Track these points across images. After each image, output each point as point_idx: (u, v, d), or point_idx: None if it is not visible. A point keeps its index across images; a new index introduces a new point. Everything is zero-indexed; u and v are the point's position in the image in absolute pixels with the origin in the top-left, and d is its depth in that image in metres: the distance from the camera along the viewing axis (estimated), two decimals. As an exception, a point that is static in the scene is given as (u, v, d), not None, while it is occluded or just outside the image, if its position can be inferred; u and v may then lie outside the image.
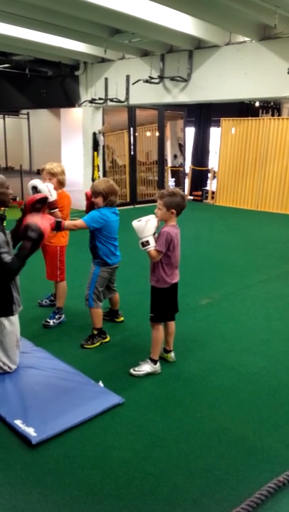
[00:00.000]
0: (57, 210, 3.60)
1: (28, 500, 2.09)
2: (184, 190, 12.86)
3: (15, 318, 3.04)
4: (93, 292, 3.55)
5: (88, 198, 3.59)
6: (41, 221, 2.96)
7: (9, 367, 3.04)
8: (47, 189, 3.54)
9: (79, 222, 3.43)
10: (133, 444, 2.48)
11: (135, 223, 3.04)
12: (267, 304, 4.74)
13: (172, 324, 3.36)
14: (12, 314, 3.01)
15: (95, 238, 3.51)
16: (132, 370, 3.20)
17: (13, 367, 3.06)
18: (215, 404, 2.89)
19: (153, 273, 3.17)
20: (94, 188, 3.48)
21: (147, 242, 3.01)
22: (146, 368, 3.20)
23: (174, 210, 3.04)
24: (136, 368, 3.21)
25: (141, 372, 3.18)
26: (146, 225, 3.00)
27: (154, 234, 3.05)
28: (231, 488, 2.20)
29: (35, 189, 3.58)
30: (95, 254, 3.57)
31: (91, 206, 3.58)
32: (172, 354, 3.44)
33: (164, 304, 3.22)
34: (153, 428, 2.63)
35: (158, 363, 3.24)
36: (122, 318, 4.07)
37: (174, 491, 2.18)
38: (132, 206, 10.94)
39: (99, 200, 3.46)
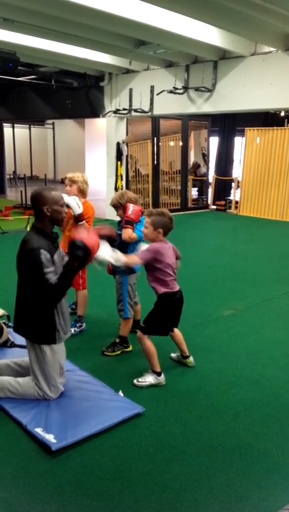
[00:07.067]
0: (84, 221, 3.63)
1: (46, 510, 2.07)
2: (207, 200, 12.86)
3: (58, 346, 2.85)
4: (127, 302, 3.56)
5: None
6: (87, 236, 2.73)
7: (50, 396, 2.84)
8: (75, 202, 3.60)
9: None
10: (153, 457, 2.45)
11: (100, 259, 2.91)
12: (291, 316, 4.65)
13: (177, 333, 3.35)
14: (54, 342, 2.81)
15: (128, 247, 3.50)
16: (135, 381, 3.13)
17: (54, 396, 2.86)
18: (237, 418, 2.84)
19: (153, 286, 3.11)
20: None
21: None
22: (150, 379, 3.13)
23: (160, 230, 3.02)
24: (139, 379, 3.14)
25: (144, 384, 3.11)
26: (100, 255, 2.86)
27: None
28: (253, 505, 2.14)
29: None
30: None
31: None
32: (191, 358, 3.42)
33: (163, 315, 3.12)
34: (173, 441, 2.59)
35: (162, 375, 3.15)
36: (142, 330, 4.03)
37: (194, 505, 2.13)
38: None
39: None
